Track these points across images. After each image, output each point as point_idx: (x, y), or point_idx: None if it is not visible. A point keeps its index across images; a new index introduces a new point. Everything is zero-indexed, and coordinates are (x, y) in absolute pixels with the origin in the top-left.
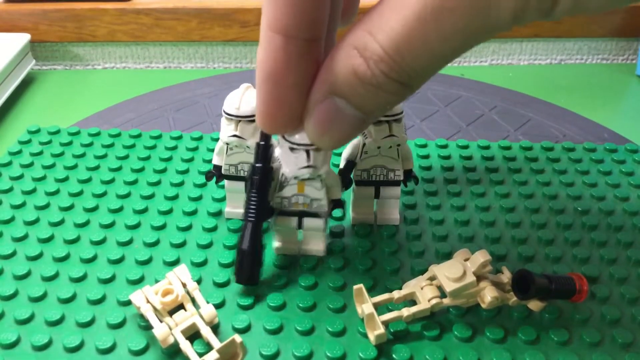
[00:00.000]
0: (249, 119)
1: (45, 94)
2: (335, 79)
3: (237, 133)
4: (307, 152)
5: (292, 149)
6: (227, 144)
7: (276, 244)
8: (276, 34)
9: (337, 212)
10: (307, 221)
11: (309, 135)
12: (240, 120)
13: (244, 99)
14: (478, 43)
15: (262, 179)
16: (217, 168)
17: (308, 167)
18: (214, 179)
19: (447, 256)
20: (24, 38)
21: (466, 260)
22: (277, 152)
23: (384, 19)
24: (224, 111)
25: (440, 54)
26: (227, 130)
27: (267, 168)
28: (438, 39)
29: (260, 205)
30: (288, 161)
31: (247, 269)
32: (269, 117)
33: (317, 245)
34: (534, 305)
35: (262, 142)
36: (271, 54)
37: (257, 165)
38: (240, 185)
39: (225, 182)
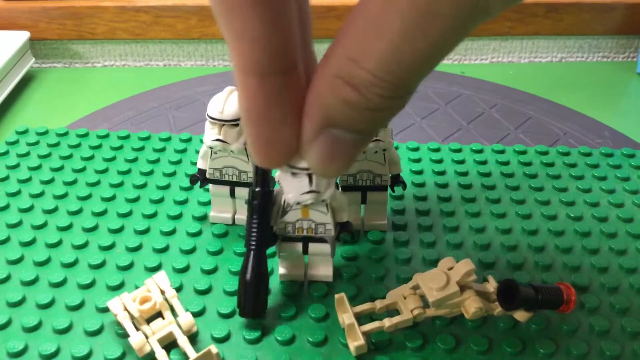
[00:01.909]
0: (233, 122)
1: (45, 92)
2: (327, 112)
3: (220, 137)
4: (310, 176)
5: (293, 174)
6: (211, 148)
7: (281, 270)
8: (249, 76)
9: (346, 236)
10: (313, 246)
11: (314, 169)
12: (223, 124)
13: (228, 102)
14: (467, 35)
15: (262, 203)
16: (202, 172)
17: (311, 192)
18: (199, 183)
19: (434, 264)
20: (23, 36)
21: (450, 269)
22: (278, 175)
23: (364, 42)
24: (207, 115)
25: (432, 59)
26: (210, 134)
27: (266, 192)
28: (428, 46)
29: (261, 231)
30: (290, 187)
31: (251, 302)
32: (263, 156)
33: (324, 271)
34: (520, 315)
35: (260, 165)
36: (250, 96)
37: (256, 189)
38: (225, 189)
39: (210, 186)
